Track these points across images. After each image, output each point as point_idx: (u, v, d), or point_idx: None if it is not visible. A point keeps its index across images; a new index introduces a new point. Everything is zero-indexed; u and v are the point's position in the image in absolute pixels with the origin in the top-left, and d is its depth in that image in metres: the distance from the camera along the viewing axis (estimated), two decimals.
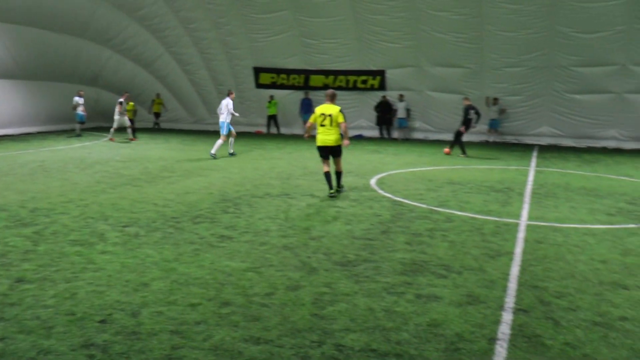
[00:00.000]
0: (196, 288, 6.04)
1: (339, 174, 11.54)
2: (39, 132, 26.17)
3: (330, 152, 11.34)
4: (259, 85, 27.21)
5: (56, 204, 10.34)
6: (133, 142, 22.53)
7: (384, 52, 24.29)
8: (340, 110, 11.06)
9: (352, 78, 25.65)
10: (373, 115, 26.00)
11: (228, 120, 17.99)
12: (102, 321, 5.18)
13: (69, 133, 25.67)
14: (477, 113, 19.05)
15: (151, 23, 26.52)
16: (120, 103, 22.81)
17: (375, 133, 26.47)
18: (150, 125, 29.65)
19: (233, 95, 18.64)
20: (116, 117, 22.70)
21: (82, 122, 25.04)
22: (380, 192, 12.01)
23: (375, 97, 25.61)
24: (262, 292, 5.93)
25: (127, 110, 23.84)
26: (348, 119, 26.41)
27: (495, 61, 22.86)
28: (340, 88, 25.72)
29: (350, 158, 17.79)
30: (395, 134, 25.98)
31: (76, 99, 24.60)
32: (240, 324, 5.13)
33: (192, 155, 18.28)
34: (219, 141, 17.89)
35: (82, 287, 6.05)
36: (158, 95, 29.36)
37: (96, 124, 29.19)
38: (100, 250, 7.44)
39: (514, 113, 23.95)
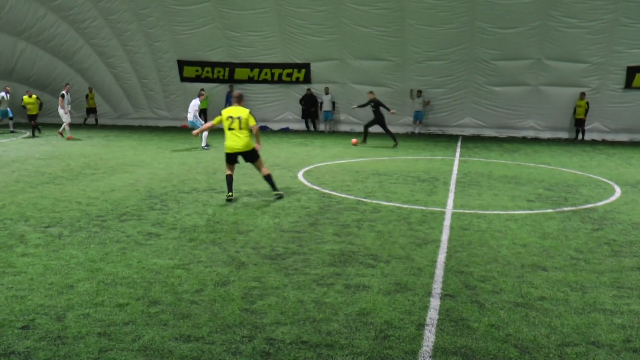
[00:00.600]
0: (124, 288, 5.89)
1: (268, 178, 10.47)
2: None
3: (244, 157, 10.39)
4: (184, 79, 26.76)
5: None
6: (34, 138, 21.70)
7: (307, 45, 24.41)
8: (250, 112, 10.25)
9: (277, 71, 25.64)
10: (299, 108, 26.06)
11: (194, 119, 18.35)
12: (24, 327, 4.97)
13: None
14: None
15: (69, 14, 25.59)
16: (62, 96, 21.56)
17: (301, 126, 26.57)
18: (81, 120, 28.75)
19: (203, 97, 18.61)
20: (60, 111, 21.54)
21: (10, 118, 24.01)
22: (308, 184, 12.07)
23: (301, 90, 25.69)
24: (192, 289, 5.86)
25: (29, 104, 22.73)
26: (274, 112, 26.64)
27: (417, 54, 23.42)
28: (265, 81, 25.81)
29: (277, 151, 17.81)
30: (321, 126, 26.16)
31: (2, 94, 23.48)
32: (169, 323, 5.05)
33: (116, 151, 17.78)
34: (204, 133, 18.36)
35: (0, 292, 5.79)
36: (91, 90, 28.37)
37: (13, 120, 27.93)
38: (20, 253, 7.12)
39: (438, 105, 24.65)
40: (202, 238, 7.83)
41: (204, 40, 25.40)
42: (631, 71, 22.09)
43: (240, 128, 10.09)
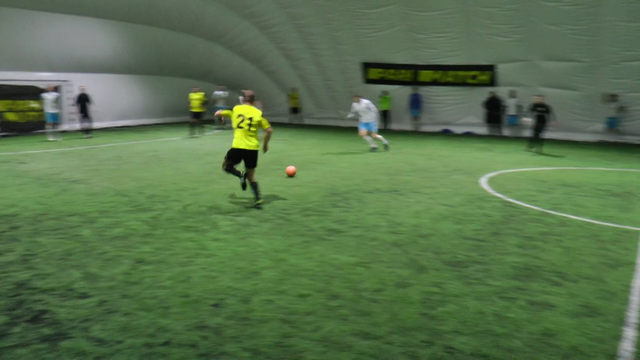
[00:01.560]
0: (305, 279, 6.13)
1: (255, 185, 9.83)
2: (155, 124, 27.78)
3: (245, 158, 9.72)
4: (368, 81, 27.18)
5: (170, 192, 10.86)
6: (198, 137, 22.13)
7: (493, 46, 23.45)
8: (262, 115, 9.85)
9: (461, 73, 25.07)
10: (481, 111, 25.30)
11: (366, 120, 18.58)
12: (215, 305, 5.38)
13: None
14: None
15: (260, 20, 27.12)
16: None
17: (484, 130, 25.76)
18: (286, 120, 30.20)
19: (357, 99, 18.93)
20: None
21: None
22: (491, 191, 11.66)
23: (484, 93, 24.87)
24: (372, 288, 5.93)
25: (194, 100, 22.55)
26: (456, 115, 26.11)
27: (613, 55, 21.35)
28: (449, 84, 25.35)
29: (459, 156, 17.43)
30: (506, 131, 25.18)
31: (219, 93, 25.58)
32: (349, 318, 5.15)
33: (301, 148, 18.56)
34: (378, 137, 18.73)
35: (195, 271, 6.32)
36: (294, 90, 29.72)
37: (209, 117, 30.33)
38: (212, 238, 7.73)
39: (636, 111, 22.42)
40: (383, 238, 7.89)
41: (388, 43, 25.53)
42: None
43: (249, 129, 9.63)
